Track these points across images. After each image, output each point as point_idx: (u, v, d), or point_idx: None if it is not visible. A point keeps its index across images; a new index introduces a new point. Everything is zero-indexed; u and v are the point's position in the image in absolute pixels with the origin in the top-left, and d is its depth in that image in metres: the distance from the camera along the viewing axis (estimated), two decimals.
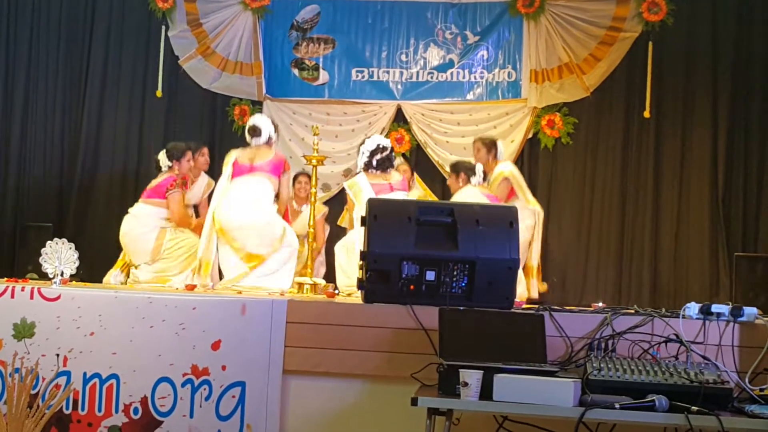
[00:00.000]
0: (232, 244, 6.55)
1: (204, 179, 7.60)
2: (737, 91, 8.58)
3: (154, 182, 7.08)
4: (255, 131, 6.85)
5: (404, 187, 6.99)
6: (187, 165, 7.18)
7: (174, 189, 6.92)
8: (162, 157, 7.16)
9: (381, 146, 6.87)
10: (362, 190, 6.72)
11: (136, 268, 6.94)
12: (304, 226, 7.11)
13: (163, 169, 7.09)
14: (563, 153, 8.92)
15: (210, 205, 6.78)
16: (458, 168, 7.57)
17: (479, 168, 7.53)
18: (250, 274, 6.50)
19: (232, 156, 6.83)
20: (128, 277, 7.00)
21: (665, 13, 8.60)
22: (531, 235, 7.53)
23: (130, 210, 7.07)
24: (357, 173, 7.02)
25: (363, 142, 6.96)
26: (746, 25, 8.63)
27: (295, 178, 8.08)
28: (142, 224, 6.92)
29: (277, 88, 9.24)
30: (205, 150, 7.66)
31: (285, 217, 7.53)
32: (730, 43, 8.63)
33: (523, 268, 7.37)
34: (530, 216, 7.51)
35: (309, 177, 7.88)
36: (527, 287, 7.47)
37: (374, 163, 6.82)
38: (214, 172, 7.46)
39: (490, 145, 7.70)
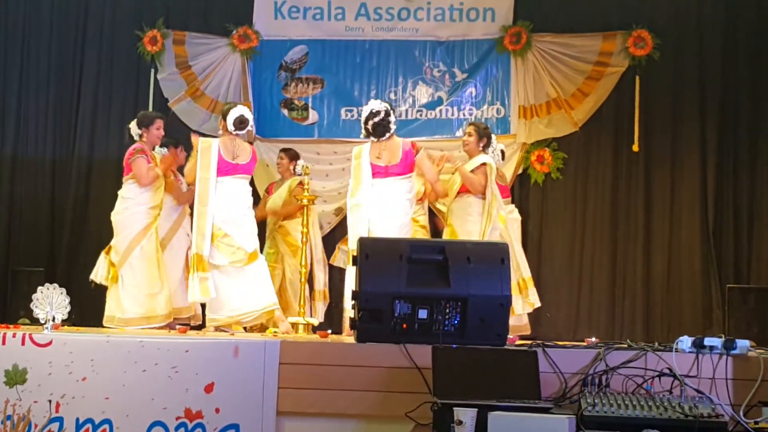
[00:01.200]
0: (224, 245, 6.64)
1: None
2: (725, 123, 8.63)
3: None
4: (243, 123, 6.87)
5: (402, 171, 6.72)
6: (156, 133, 7.20)
7: (134, 156, 6.97)
8: (133, 125, 7.22)
9: (374, 111, 6.75)
10: (362, 171, 6.68)
11: (113, 267, 6.92)
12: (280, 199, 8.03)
13: (135, 138, 7.16)
14: (553, 188, 8.93)
15: (202, 200, 6.73)
16: (483, 133, 7.36)
17: (498, 146, 7.61)
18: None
19: (214, 148, 6.80)
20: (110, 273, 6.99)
21: (651, 48, 8.67)
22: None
23: (119, 192, 7.11)
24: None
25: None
26: (732, 58, 8.70)
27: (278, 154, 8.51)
28: (134, 204, 6.95)
29: (266, 129, 9.26)
30: (160, 123, 7.38)
31: (269, 189, 8.34)
32: (716, 76, 8.69)
33: None
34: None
35: (286, 152, 8.43)
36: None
37: (370, 129, 6.74)
38: None
39: (484, 134, 7.38)
